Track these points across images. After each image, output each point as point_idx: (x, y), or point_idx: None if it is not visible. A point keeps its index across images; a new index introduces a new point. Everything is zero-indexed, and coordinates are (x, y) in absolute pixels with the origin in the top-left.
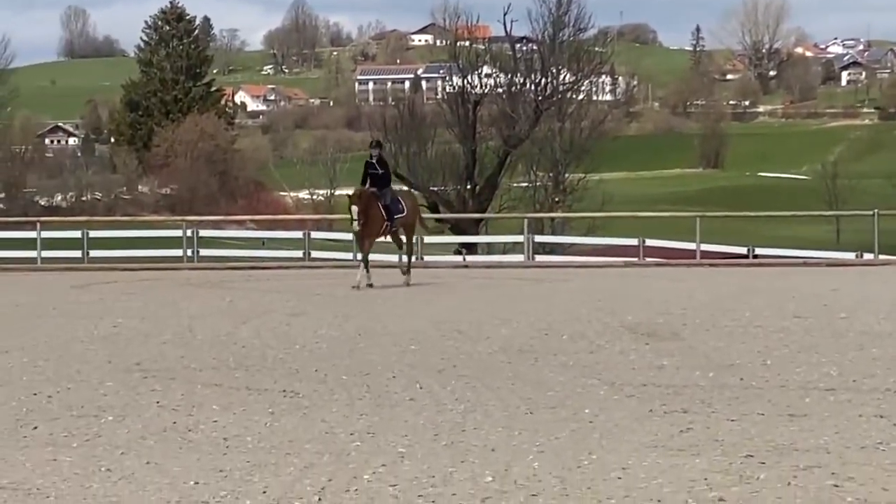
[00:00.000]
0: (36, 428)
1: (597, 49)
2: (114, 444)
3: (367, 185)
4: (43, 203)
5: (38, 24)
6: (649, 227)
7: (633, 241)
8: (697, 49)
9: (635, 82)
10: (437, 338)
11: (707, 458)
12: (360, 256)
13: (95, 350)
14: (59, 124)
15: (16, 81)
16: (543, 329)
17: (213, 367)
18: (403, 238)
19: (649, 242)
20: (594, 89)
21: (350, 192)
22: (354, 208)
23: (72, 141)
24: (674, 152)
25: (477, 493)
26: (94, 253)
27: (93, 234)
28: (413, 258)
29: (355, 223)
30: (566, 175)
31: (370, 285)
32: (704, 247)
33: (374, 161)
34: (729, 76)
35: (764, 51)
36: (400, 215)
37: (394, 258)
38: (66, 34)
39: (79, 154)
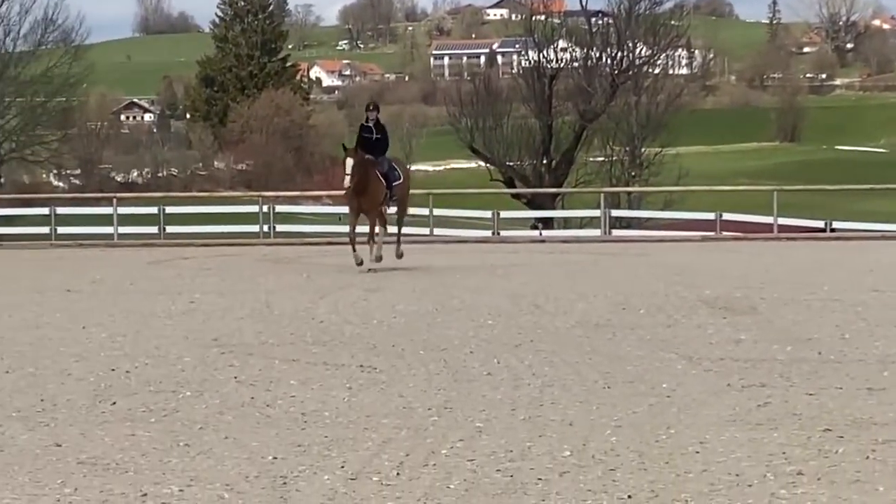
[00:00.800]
0: (114, 403)
1: (673, 22)
2: (192, 419)
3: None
4: (119, 179)
5: (113, 1)
6: (726, 201)
7: (710, 216)
8: (774, 22)
9: (711, 56)
10: (514, 312)
11: (785, 431)
12: (349, 229)
13: (173, 326)
14: (135, 100)
15: (91, 58)
16: (620, 303)
17: (291, 342)
18: (394, 211)
19: (726, 216)
20: (670, 63)
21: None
22: (350, 161)
23: (147, 117)
24: (750, 126)
25: (555, 468)
26: (170, 229)
27: (169, 209)
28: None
29: (347, 178)
30: (643, 149)
31: (367, 263)
32: (782, 220)
33: (370, 125)
34: (806, 49)
35: (841, 23)
36: (397, 182)
37: (469, 233)
38: (141, 10)
39: (154, 130)
